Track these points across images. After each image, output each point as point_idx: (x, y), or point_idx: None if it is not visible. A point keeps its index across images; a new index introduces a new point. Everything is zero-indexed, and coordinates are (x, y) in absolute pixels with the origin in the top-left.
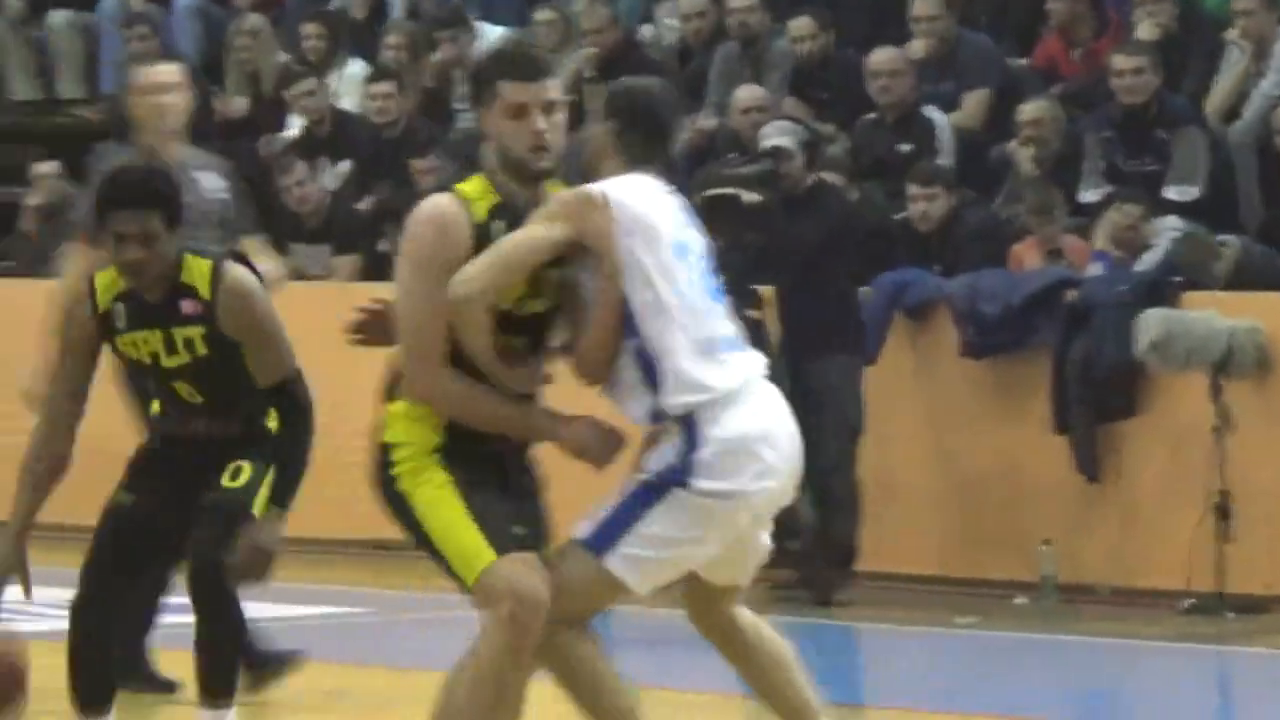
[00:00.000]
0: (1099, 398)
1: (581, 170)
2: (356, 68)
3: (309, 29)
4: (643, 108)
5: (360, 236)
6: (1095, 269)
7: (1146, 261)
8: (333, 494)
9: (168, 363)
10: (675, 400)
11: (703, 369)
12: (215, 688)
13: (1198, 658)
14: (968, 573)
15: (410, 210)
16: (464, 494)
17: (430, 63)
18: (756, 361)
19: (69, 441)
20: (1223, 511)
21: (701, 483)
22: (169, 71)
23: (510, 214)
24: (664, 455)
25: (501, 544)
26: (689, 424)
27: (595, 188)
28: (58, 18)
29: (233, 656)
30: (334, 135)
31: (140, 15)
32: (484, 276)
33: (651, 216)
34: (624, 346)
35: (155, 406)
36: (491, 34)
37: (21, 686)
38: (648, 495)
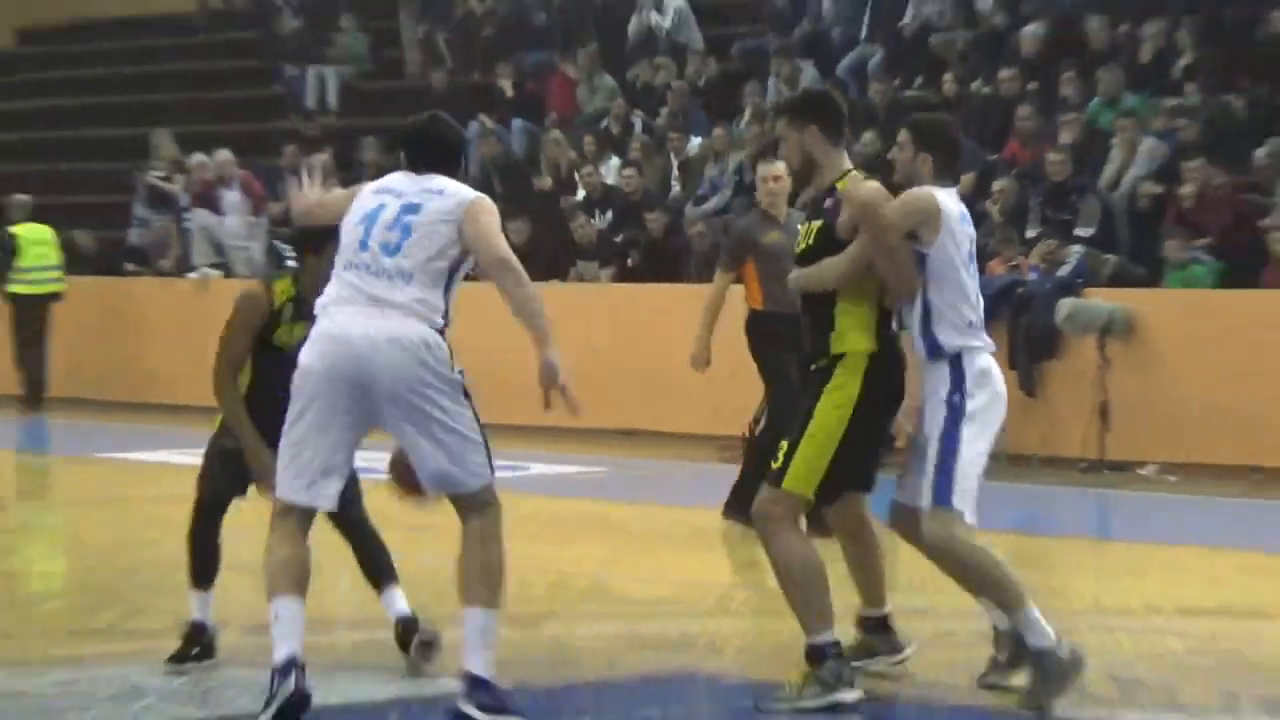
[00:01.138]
0: (1034, 349)
1: (900, 182)
2: (614, 161)
3: (587, 138)
4: (947, 135)
5: (615, 257)
6: (1033, 275)
7: (1063, 271)
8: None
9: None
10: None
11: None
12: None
13: (1090, 497)
14: None
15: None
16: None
17: (657, 156)
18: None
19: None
20: (1104, 412)
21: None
22: (779, 167)
23: None
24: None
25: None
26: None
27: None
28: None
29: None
30: (602, 199)
31: (492, 130)
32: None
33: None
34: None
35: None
36: (694, 143)
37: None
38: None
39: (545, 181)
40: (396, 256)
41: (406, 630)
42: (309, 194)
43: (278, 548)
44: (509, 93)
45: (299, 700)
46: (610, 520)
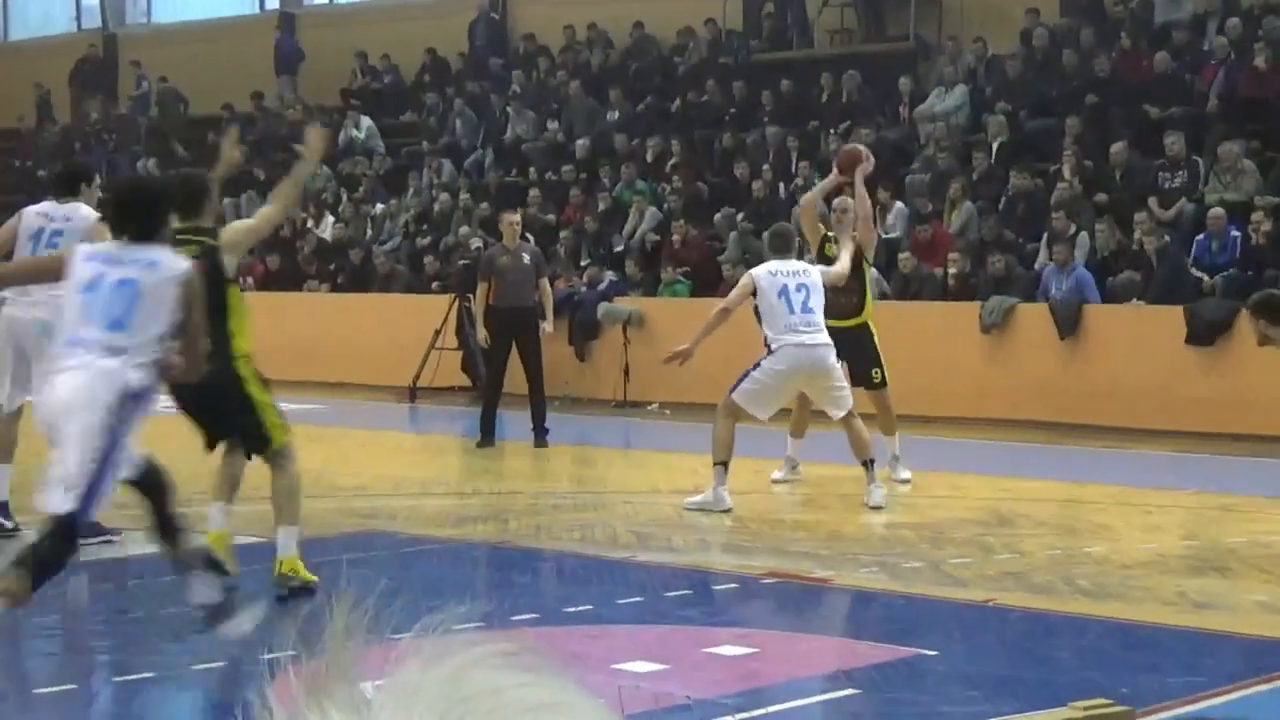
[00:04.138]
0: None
1: None
2: (329, 219)
3: (311, 206)
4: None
5: (330, 276)
6: (584, 289)
7: (602, 285)
8: None
9: None
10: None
11: None
12: None
13: (620, 426)
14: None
15: (345, 268)
16: None
17: (355, 216)
18: None
19: None
20: (626, 371)
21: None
22: (516, 215)
23: None
24: None
25: None
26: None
27: None
28: None
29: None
30: (323, 244)
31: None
32: None
33: None
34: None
35: None
36: (379, 208)
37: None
38: None
39: (285, 231)
40: None
41: None
42: None
43: None
44: (263, 177)
45: None
46: (327, 436)
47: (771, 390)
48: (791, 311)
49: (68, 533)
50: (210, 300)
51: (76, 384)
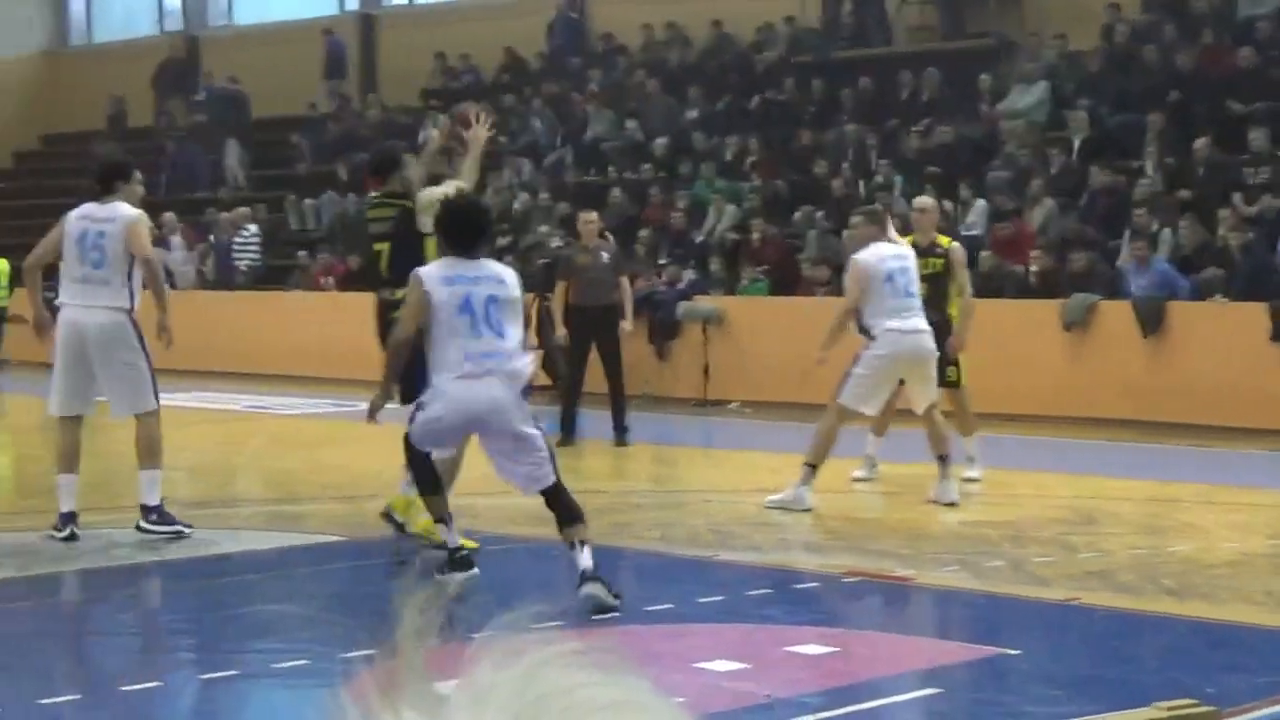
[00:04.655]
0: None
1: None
2: None
3: None
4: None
5: None
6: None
7: (681, 285)
8: None
9: None
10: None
11: None
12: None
13: (700, 423)
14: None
15: None
16: None
17: None
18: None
19: None
20: (705, 370)
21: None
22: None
23: None
24: None
25: None
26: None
27: None
28: None
29: None
30: None
31: (339, 201)
32: None
33: None
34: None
35: None
36: None
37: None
38: None
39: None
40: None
41: None
42: None
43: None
44: (345, 177)
45: None
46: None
47: (877, 382)
48: (895, 295)
49: (559, 491)
50: (410, 255)
51: (497, 389)
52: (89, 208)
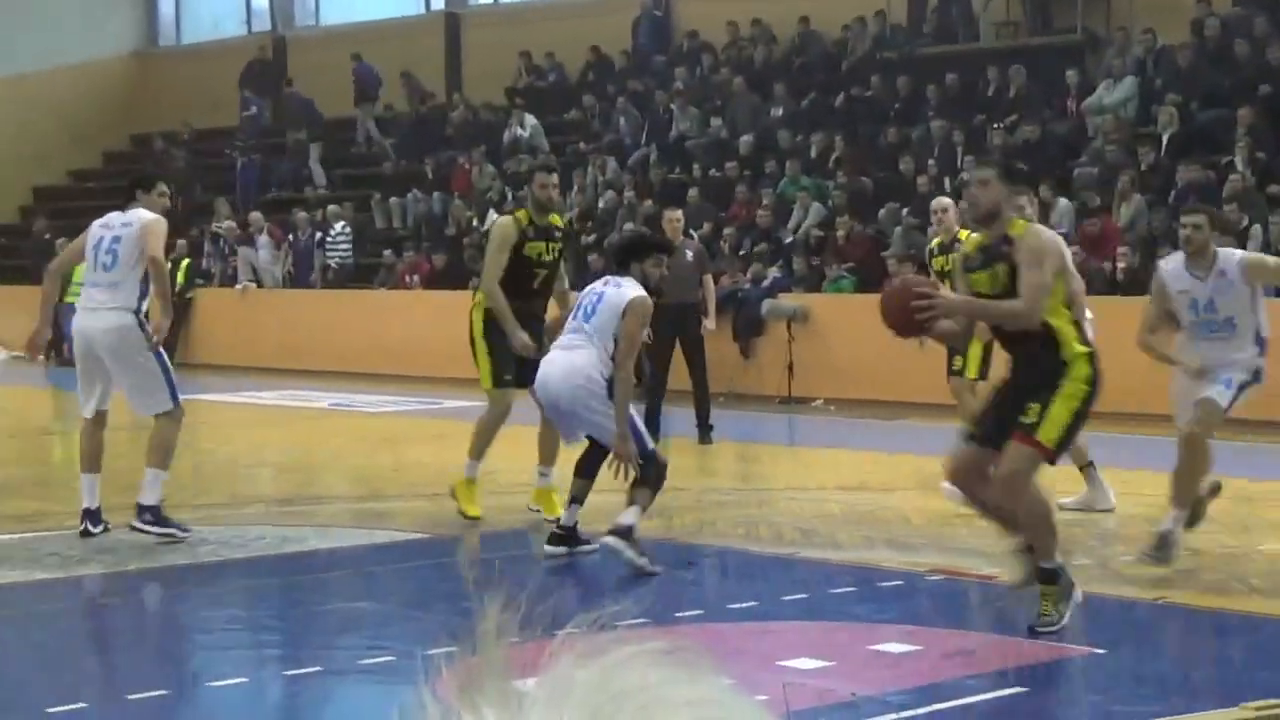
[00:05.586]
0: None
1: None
2: (492, 215)
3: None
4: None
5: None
6: (747, 285)
7: (765, 282)
8: None
9: None
10: None
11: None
12: None
13: (783, 420)
14: None
15: None
16: None
17: None
18: None
19: None
20: (790, 368)
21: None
22: (679, 213)
23: None
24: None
25: None
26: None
27: None
28: None
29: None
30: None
31: (421, 199)
32: None
33: None
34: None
35: None
36: None
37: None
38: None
39: (450, 229)
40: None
41: None
42: None
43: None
44: (430, 175)
45: None
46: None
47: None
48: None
49: (652, 462)
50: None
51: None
52: (111, 216)
